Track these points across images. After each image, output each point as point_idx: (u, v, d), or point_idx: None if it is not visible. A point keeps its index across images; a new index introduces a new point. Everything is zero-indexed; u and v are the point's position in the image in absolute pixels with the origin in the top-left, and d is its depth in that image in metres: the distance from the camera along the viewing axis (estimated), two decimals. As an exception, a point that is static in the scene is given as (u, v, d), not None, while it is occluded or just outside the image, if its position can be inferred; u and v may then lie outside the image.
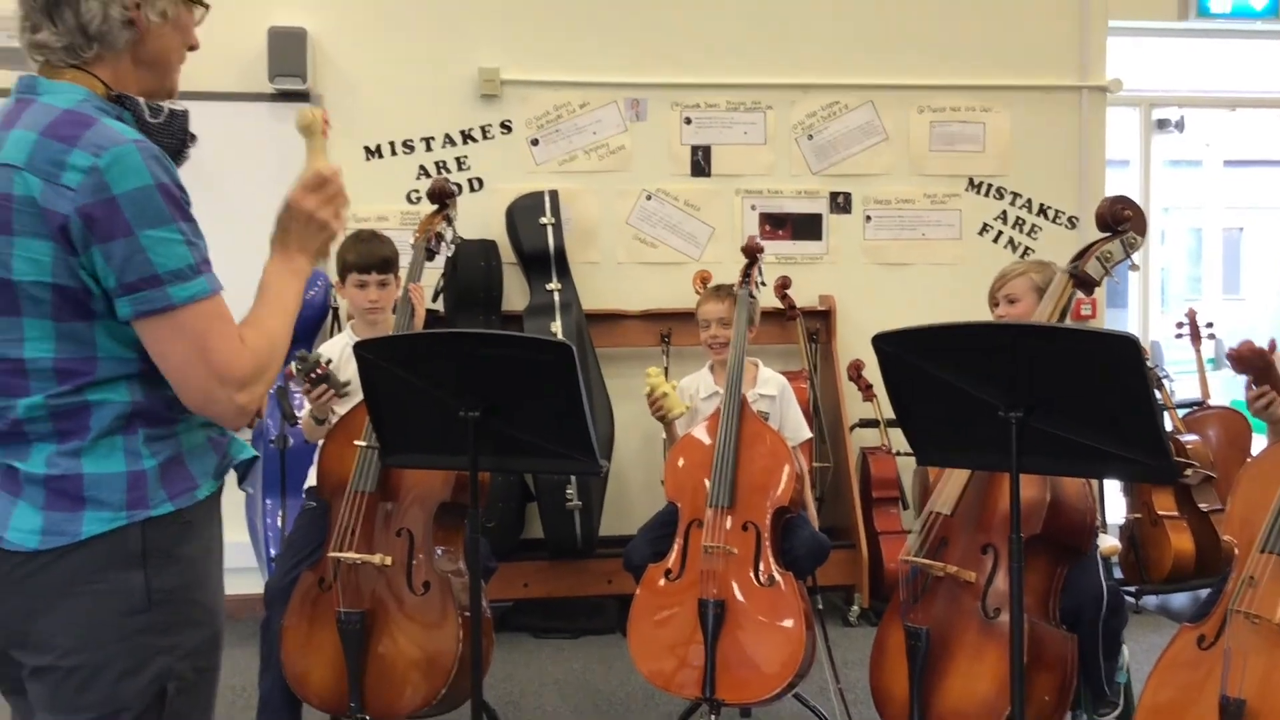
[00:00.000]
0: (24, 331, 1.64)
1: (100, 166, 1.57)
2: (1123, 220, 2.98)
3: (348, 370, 3.43)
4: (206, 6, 1.83)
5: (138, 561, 1.67)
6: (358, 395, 3.04)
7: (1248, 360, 2.70)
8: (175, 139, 1.78)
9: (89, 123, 1.61)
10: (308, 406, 3.36)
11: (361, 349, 2.71)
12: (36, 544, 1.65)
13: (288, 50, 4.94)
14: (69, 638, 1.65)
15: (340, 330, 4.74)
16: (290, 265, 1.81)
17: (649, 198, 5.33)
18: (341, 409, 3.40)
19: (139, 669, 1.68)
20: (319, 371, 3.16)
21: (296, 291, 1.82)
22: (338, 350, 3.57)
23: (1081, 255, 3.00)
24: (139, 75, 1.75)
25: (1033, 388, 2.24)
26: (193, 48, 1.83)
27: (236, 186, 4.93)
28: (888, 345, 2.41)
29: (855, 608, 4.95)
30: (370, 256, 3.53)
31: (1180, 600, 5.21)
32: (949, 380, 2.33)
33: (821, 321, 5.32)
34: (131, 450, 1.68)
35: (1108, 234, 3.00)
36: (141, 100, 1.74)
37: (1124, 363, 2.12)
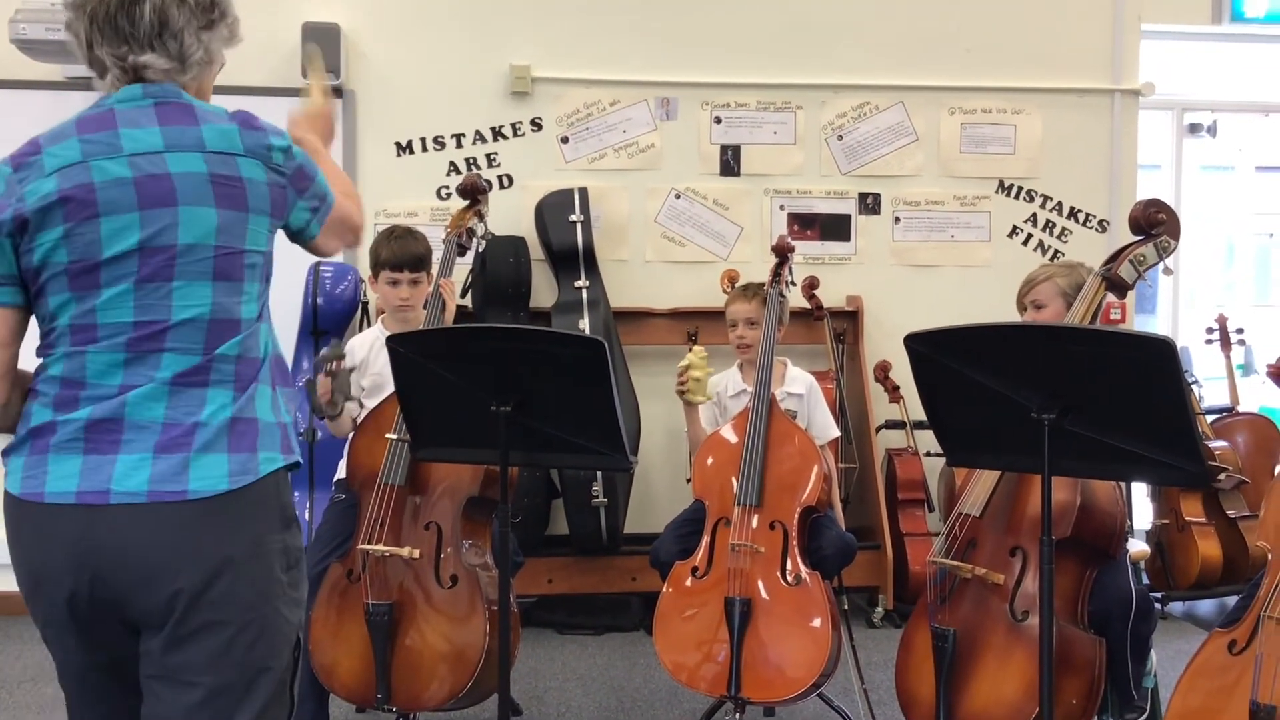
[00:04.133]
0: (243, 294, 1.93)
1: (288, 144, 1.97)
2: (1156, 224, 2.97)
3: (378, 364, 3.46)
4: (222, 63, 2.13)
5: (287, 523, 1.94)
6: (388, 388, 3.06)
7: None
8: None
9: (254, 116, 1.97)
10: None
11: (394, 342, 2.73)
12: (227, 485, 1.84)
13: (321, 45, 4.96)
14: (251, 592, 1.87)
15: (370, 325, 4.77)
16: (326, 149, 2.27)
17: (678, 196, 5.33)
18: (372, 402, 3.42)
19: (291, 621, 1.94)
20: (332, 368, 3.17)
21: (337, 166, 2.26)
22: (368, 344, 3.59)
23: (1114, 258, 2.98)
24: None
25: (1066, 390, 2.24)
26: None
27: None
28: (920, 345, 2.40)
29: (879, 609, 4.95)
30: (403, 254, 3.53)
31: (1206, 607, 5.18)
32: (981, 381, 2.32)
33: (849, 322, 5.32)
34: (275, 403, 1.97)
35: (1141, 237, 2.99)
36: None
37: (1160, 366, 2.11)
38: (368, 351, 3.57)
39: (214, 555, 1.82)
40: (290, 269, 4.83)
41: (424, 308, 3.54)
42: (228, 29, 2.02)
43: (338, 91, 5.07)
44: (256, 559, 1.87)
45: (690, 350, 3.52)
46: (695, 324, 5.11)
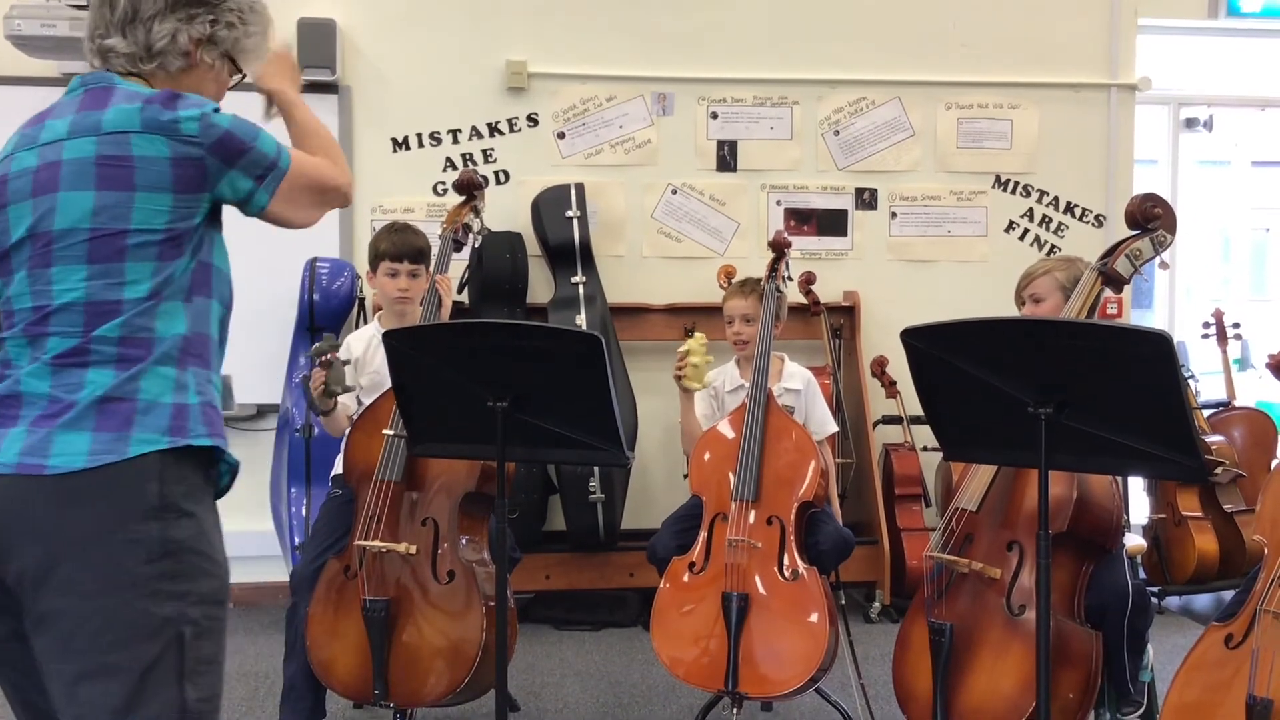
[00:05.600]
0: (125, 275, 1.84)
1: (207, 113, 1.88)
2: (1153, 218, 2.97)
3: (375, 361, 3.46)
4: (243, 76, 2.10)
5: (155, 514, 1.80)
6: (386, 385, 3.06)
7: None
8: None
9: (179, 93, 1.90)
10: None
11: (390, 338, 2.73)
12: (83, 463, 1.76)
13: (317, 41, 4.97)
14: (95, 580, 1.76)
15: (366, 321, 4.77)
16: (298, 95, 2.20)
17: (674, 192, 5.33)
18: (369, 399, 3.42)
19: (157, 616, 1.79)
20: (327, 359, 3.17)
21: (312, 114, 2.19)
22: (365, 341, 3.59)
23: (1111, 253, 2.99)
24: None
25: (1063, 384, 2.24)
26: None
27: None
28: (917, 340, 2.40)
29: (876, 604, 4.95)
30: (403, 245, 3.54)
31: (1203, 601, 5.19)
32: (978, 376, 2.32)
33: (845, 317, 5.32)
34: (179, 384, 1.87)
35: (1137, 232, 2.99)
36: None
37: (1157, 360, 2.11)
38: (365, 349, 3.56)
39: (57, 536, 1.76)
40: (286, 264, 4.87)
41: (420, 304, 3.54)
42: (224, 28, 2.00)
43: (334, 87, 5.07)
44: (104, 545, 1.77)
45: (691, 336, 3.52)
46: (692, 319, 5.09)
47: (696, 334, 3.52)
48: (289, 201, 1.99)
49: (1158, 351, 2.12)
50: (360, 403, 3.49)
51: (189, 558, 1.84)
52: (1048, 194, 5.50)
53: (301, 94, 2.21)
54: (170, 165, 1.85)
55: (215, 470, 1.94)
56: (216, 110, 1.91)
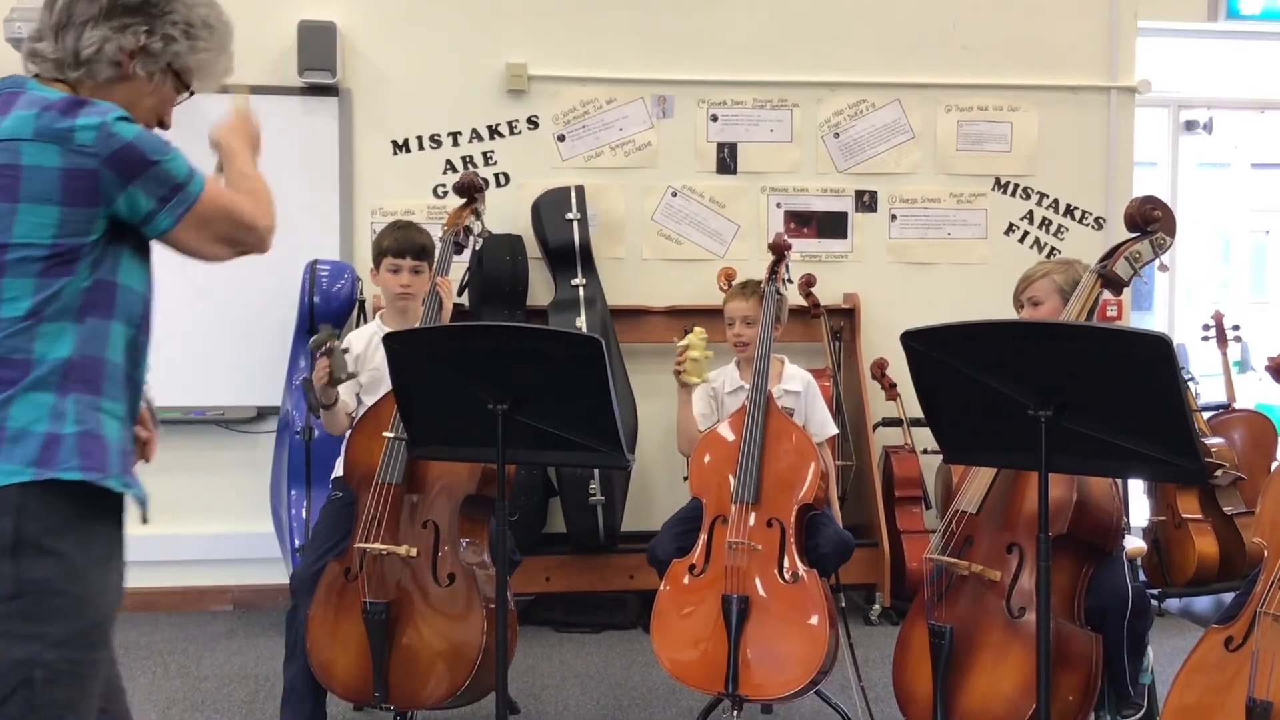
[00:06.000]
0: (2, 292, 1.77)
1: (107, 122, 1.79)
2: (1152, 221, 2.97)
3: (376, 358, 3.46)
4: (191, 93, 2.04)
5: (7, 552, 1.71)
6: (386, 384, 3.06)
7: None
8: None
9: (85, 100, 1.83)
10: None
11: (391, 340, 2.73)
12: None
13: (317, 44, 4.97)
14: None
15: (366, 322, 4.77)
16: (248, 151, 2.12)
17: (674, 194, 5.33)
18: (370, 398, 3.42)
19: (3, 655, 1.72)
20: (326, 346, 3.17)
21: (257, 170, 2.11)
22: (365, 339, 3.58)
23: (1110, 255, 2.99)
24: None
25: (1063, 386, 2.24)
26: (163, 124, 2.02)
27: (266, 177, 4.97)
28: (917, 343, 2.40)
29: (876, 606, 4.95)
30: (406, 242, 3.55)
31: (1203, 604, 5.19)
32: (978, 378, 2.33)
33: (845, 320, 5.32)
34: (55, 411, 1.78)
35: (1136, 234, 2.99)
36: None
37: (1157, 363, 2.12)
38: (365, 346, 3.56)
39: None
40: (286, 267, 4.88)
41: (422, 304, 3.54)
42: (161, 41, 1.93)
43: (334, 90, 5.07)
44: None
45: (691, 331, 3.52)
46: (692, 322, 5.01)
47: (696, 329, 3.52)
48: (197, 230, 1.90)
49: (1158, 354, 2.12)
50: (360, 401, 3.49)
51: (47, 599, 1.74)
52: (1047, 196, 5.50)
53: (257, 159, 2.14)
54: (60, 176, 1.76)
55: (109, 502, 1.84)
56: (123, 120, 1.82)
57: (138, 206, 1.83)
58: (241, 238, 1.96)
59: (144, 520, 1.93)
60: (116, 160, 1.79)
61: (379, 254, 3.60)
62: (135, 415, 2.01)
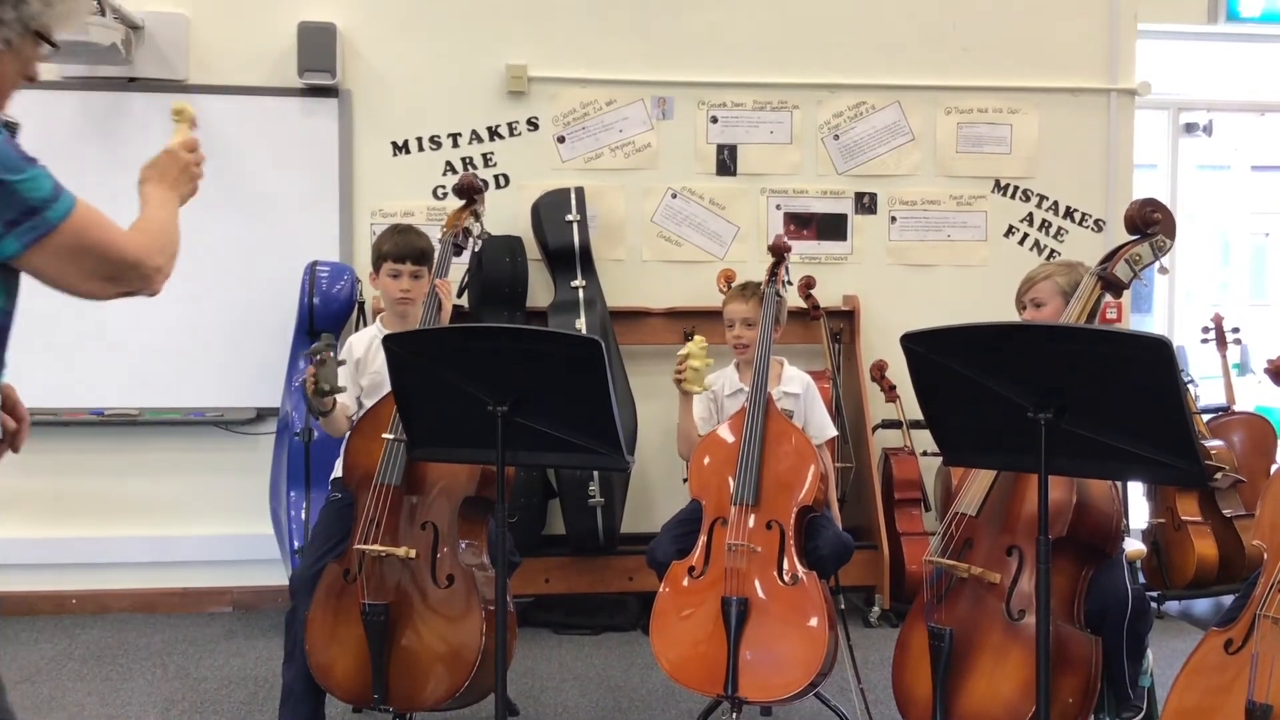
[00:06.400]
0: None
1: None
2: (1152, 223, 2.97)
3: (376, 362, 3.46)
4: (55, 46, 1.97)
5: None
6: (386, 389, 3.06)
7: None
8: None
9: None
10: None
11: (390, 342, 2.73)
12: None
13: (317, 45, 4.97)
14: None
15: (367, 324, 4.77)
16: (168, 195, 2.09)
17: (674, 196, 5.33)
18: (370, 402, 3.42)
19: None
20: (320, 357, 3.16)
21: (175, 209, 2.09)
22: (365, 342, 3.59)
23: (1110, 258, 2.99)
24: None
25: (1063, 389, 2.24)
26: (30, 79, 1.98)
27: (265, 180, 4.98)
28: (917, 345, 2.40)
29: (876, 608, 4.95)
30: (406, 246, 3.54)
31: (1203, 606, 5.19)
32: (978, 380, 2.32)
33: (845, 322, 5.32)
34: None
35: (1137, 237, 2.99)
36: None
37: (1157, 365, 2.12)
38: (366, 350, 3.56)
39: None
40: (286, 268, 4.88)
41: (422, 306, 3.54)
42: (13, 7, 1.87)
43: (334, 91, 5.07)
44: None
45: (691, 339, 3.52)
46: (692, 323, 5.09)
47: (696, 337, 3.52)
48: (59, 261, 1.83)
49: (1158, 356, 2.12)
50: (361, 404, 3.49)
51: None
52: (1047, 199, 5.50)
53: (181, 194, 2.12)
54: None
55: None
56: None
57: None
58: (120, 274, 1.89)
59: None
60: None
61: (378, 258, 3.60)
62: None
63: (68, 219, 1.81)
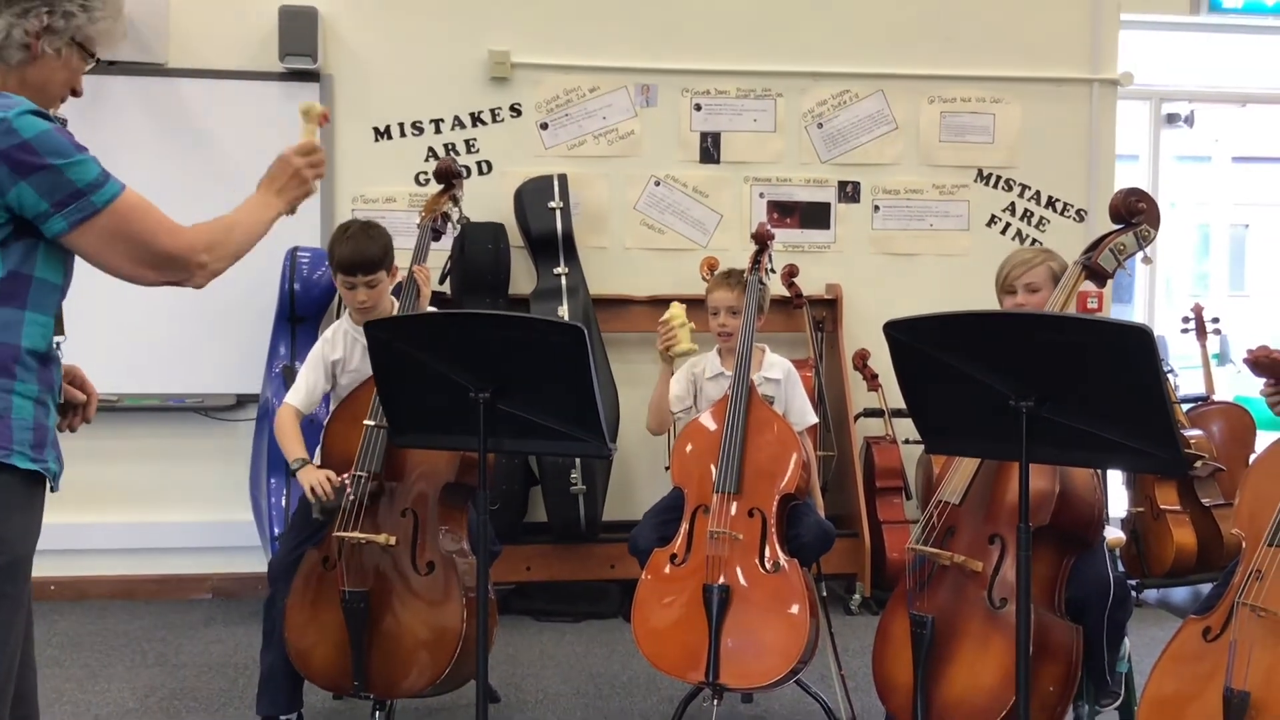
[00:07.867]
0: None
1: (8, 118, 1.87)
2: (1137, 213, 2.98)
3: (354, 359, 3.43)
4: (97, 61, 2.11)
5: None
6: (366, 373, 3.04)
7: (1266, 366, 2.71)
8: None
9: (6, 97, 1.91)
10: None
11: (373, 328, 2.71)
12: None
13: (298, 29, 4.93)
14: None
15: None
16: (267, 200, 2.24)
17: (658, 183, 5.32)
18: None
19: None
20: (345, 495, 3.19)
21: (266, 219, 2.23)
22: (341, 339, 3.50)
23: (1095, 247, 2.99)
24: (21, 93, 2.00)
25: (1044, 378, 2.24)
26: (75, 93, 2.12)
27: (246, 164, 4.90)
28: (899, 333, 2.40)
29: (857, 596, 4.96)
30: (356, 257, 3.34)
31: (1181, 594, 5.22)
32: (960, 369, 2.33)
33: (828, 310, 5.32)
34: None
35: (1121, 226, 3.00)
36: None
37: (1137, 354, 2.12)
38: (345, 348, 3.49)
39: None
40: (266, 254, 4.82)
41: (395, 295, 3.50)
42: (62, 18, 2.00)
43: (315, 75, 5.04)
44: None
45: (672, 305, 3.51)
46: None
47: (674, 303, 3.52)
48: (100, 242, 1.96)
49: (1139, 345, 2.12)
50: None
51: None
52: (1029, 188, 5.51)
53: (291, 203, 2.27)
54: None
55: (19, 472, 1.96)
56: (30, 115, 1.89)
57: (27, 203, 1.90)
58: (161, 265, 2.02)
59: (53, 489, 2.07)
60: (8, 155, 1.87)
61: (332, 264, 3.43)
62: (56, 390, 2.10)
63: (112, 204, 1.93)
